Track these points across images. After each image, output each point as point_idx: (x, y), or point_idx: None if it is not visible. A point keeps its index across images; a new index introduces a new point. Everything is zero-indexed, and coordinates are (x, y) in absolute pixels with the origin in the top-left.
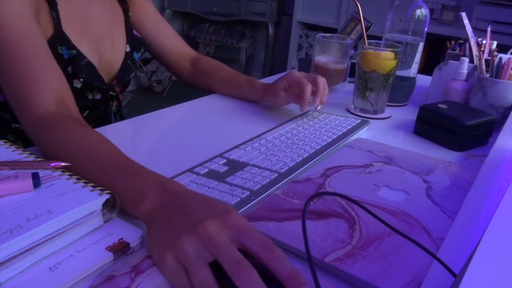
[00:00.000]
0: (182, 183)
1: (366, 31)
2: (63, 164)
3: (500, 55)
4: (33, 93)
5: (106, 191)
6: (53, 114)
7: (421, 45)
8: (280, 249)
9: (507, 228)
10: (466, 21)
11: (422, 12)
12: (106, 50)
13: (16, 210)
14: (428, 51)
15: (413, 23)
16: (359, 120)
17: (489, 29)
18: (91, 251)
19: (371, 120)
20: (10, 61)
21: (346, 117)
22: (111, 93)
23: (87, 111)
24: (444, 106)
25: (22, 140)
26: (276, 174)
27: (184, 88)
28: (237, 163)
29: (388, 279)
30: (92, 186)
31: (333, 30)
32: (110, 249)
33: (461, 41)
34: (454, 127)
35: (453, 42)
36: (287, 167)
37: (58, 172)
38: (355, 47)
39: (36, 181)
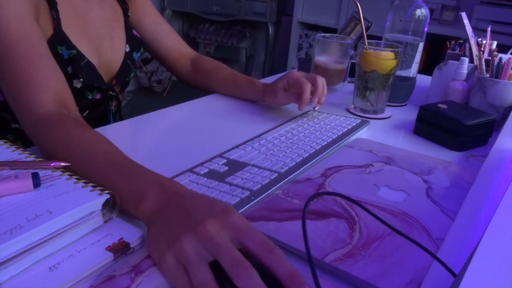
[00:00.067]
0: (182, 183)
1: (366, 31)
2: (63, 164)
3: (500, 55)
4: (33, 93)
5: (106, 191)
6: (53, 114)
7: (421, 45)
8: (280, 249)
9: (507, 228)
10: (466, 21)
11: (422, 12)
12: (105, 50)
13: (16, 210)
14: (428, 51)
15: (413, 23)
16: (359, 120)
17: (489, 29)
18: (91, 251)
19: (371, 120)
20: (10, 61)
21: (346, 117)
22: (111, 93)
23: (87, 111)
24: (444, 106)
25: (22, 140)
26: (276, 174)
27: (184, 88)
28: (237, 163)
29: (388, 279)
30: (92, 186)
31: (333, 30)
32: (110, 249)
33: (461, 41)
34: (454, 127)
35: (453, 42)
36: (287, 167)
37: (58, 172)
38: (355, 47)
39: (36, 181)
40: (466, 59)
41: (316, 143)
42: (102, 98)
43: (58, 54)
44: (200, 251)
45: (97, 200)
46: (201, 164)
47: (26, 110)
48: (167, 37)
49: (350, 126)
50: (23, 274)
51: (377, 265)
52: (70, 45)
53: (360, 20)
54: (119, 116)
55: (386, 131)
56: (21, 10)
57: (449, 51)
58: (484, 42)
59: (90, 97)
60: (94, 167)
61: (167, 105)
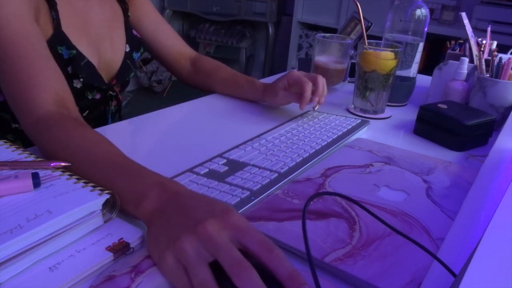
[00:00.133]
0: (182, 183)
1: (366, 31)
2: (63, 164)
3: (500, 55)
4: (33, 93)
5: (106, 191)
6: (53, 114)
7: (421, 45)
8: (280, 249)
9: (507, 228)
10: (466, 21)
11: (422, 12)
12: (105, 50)
13: (16, 210)
14: (428, 51)
15: (413, 23)
16: (359, 120)
17: (489, 29)
18: (91, 251)
19: (371, 120)
20: (10, 61)
21: (346, 117)
22: (111, 93)
23: (87, 111)
24: (444, 106)
25: (22, 140)
26: (276, 174)
27: (184, 88)
28: (237, 163)
29: (388, 279)
30: (92, 186)
31: (333, 30)
32: (110, 249)
33: (461, 41)
34: (454, 127)
35: (453, 42)
36: (287, 167)
37: (58, 172)
38: (355, 47)
39: (36, 181)
40: (466, 59)
41: (316, 143)
42: (102, 98)
43: (58, 54)
44: (200, 251)
45: (97, 200)
46: (201, 164)
47: (26, 110)
48: (167, 37)
49: (350, 126)
50: (23, 274)
51: (377, 265)
52: (70, 45)
53: (360, 20)
54: (119, 116)
55: (386, 131)
56: (21, 10)
57: (449, 51)
58: (484, 42)
59: (90, 97)
60: (94, 167)
61: (167, 105)
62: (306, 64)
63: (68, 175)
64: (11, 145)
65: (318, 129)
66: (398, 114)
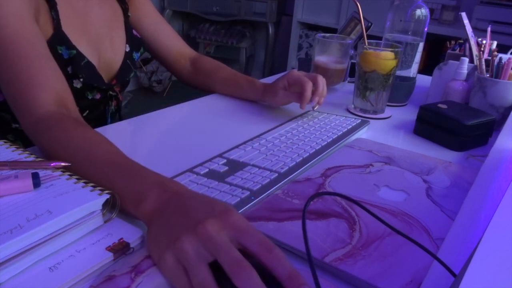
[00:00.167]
0: (182, 183)
1: (366, 31)
2: (63, 164)
3: (500, 55)
4: (33, 93)
5: (106, 191)
6: (53, 114)
7: (421, 45)
8: (280, 249)
9: (507, 228)
10: (466, 21)
11: (422, 12)
12: (105, 50)
13: (16, 210)
14: (428, 51)
15: (413, 23)
16: (359, 120)
17: (489, 29)
18: (91, 251)
19: (371, 120)
20: (9, 61)
21: (346, 117)
22: (111, 93)
23: (87, 111)
24: (444, 106)
25: (22, 140)
26: (276, 174)
27: (184, 88)
28: (237, 163)
29: (388, 279)
30: (92, 186)
31: (333, 30)
32: (110, 249)
33: (461, 41)
34: (454, 127)
35: (453, 42)
36: (287, 167)
37: (58, 172)
38: (355, 47)
39: (36, 181)
40: (466, 59)
41: (316, 143)
42: (102, 98)
43: (58, 54)
44: (200, 251)
45: (97, 200)
46: (201, 164)
47: (26, 110)
48: (167, 37)
49: (350, 126)
50: (23, 274)
51: (377, 265)
52: (70, 45)
53: (360, 20)
54: (118, 116)
55: (386, 131)
56: (21, 10)
57: (449, 51)
58: (484, 42)
59: (90, 97)
60: (94, 167)
61: (167, 105)
62: (306, 64)
63: (68, 175)
64: (11, 145)
65: (318, 129)
66: (398, 114)
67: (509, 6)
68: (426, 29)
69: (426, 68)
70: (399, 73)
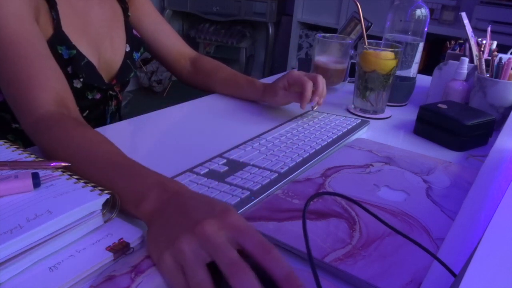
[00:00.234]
0: (182, 183)
1: (366, 31)
2: (63, 164)
3: (500, 55)
4: (33, 93)
5: (106, 191)
6: (53, 114)
7: (421, 45)
8: (278, 250)
9: (507, 228)
10: (466, 21)
11: (422, 12)
12: (105, 50)
13: (16, 210)
14: (428, 51)
15: (413, 23)
16: (359, 120)
17: (489, 29)
18: (91, 251)
19: (371, 120)
20: (10, 61)
21: (346, 117)
22: (111, 92)
23: (87, 111)
24: (444, 106)
25: (22, 140)
26: (276, 174)
27: (184, 88)
28: (237, 163)
29: (388, 279)
30: (92, 186)
31: (333, 30)
32: (110, 249)
33: (461, 41)
34: (454, 127)
35: (453, 42)
36: (287, 167)
37: (58, 172)
38: (355, 47)
39: (36, 181)
40: (466, 59)
41: (316, 143)
42: (102, 98)
43: (58, 54)
44: (198, 252)
45: (97, 200)
46: (201, 164)
47: (26, 110)
48: (167, 37)
49: (350, 126)
50: (23, 274)
51: (377, 265)
52: (70, 45)
53: (360, 20)
54: (118, 116)
55: (386, 131)
56: (21, 10)
57: (449, 51)
58: (484, 42)
59: (90, 97)
60: (94, 167)
61: (167, 105)
62: (306, 64)
63: (68, 175)
64: (11, 145)
65: (318, 129)
66: (398, 114)
67: (509, 6)
68: (426, 29)
69: (426, 68)
70: (399, 73)
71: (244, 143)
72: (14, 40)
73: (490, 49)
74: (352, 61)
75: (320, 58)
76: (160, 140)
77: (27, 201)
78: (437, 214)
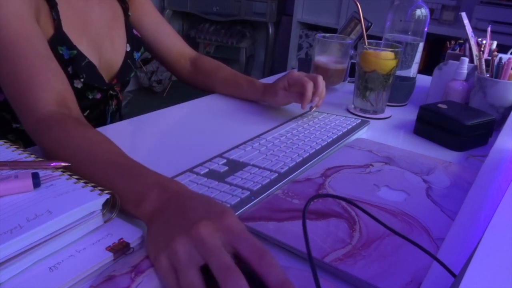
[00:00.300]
0: (182, 183)
1: (366, 31)
2: (63, 164)
3: (500, 55)
4: (34, 93)
5: (106, 191)
6: (54, 114)
7: (421, 45)
8: (273, 255)
9: (507, 228)
10: (466, 21)
11: (422, 12)
12: (106, 49)
13: (16, 210)
14: (428, 51)
15: (413, 23)
16: (359, 120)
17: (489, 29)
18: (91, 251)
19: (371, 120)
20: (10, 62)
21: (346, 117)
22: (111, 92)
23: (88, 111)
24: (444, 106)
25: (22, 140)
26: (276, 174)
27: (184, 88)
28: (237, 163)
29: (388, 279)
30: (92, 186)
31: (333, 30)
32: (110, 249)
33: (461, 41)
34: (454, 127)
35: (453, 42)
36: (287, 167)
37: (58, 172)
38: (355, 47)
39: (36, 181)
40: (466, 59)
41: (316, 143)
42: (102, 97)
43: (59, 55)
44: (191, 254)
45: (97, 200)
46: (201, 164)
47: (27, 110)
48: (167, 37)
49: (350, 126)
50: (23, 274)
51: (377, 265)
52: (70, 46)
53: (360, 20)
54: (119, 115)
55: (386, 131)
56: (21, 10)
57: (449, 51)
58: (484, 42)
59: (90, 97)
60: (94, 167)
61: (167, 105)
62: (306, 64)
63: (68, 175)
64: (11, 145)
65: (318, 129)
66: (398, 114)
67: (509, 6)
68: (426, 29)
69: (426, 68)
70: (399, 73)
71: (244, 143)
72: (15, 40)
73: (490, 49)
74: (352, 61)
75: (320, 58)
76: (160, 140)
77: (27, 201)
78: (437, 214)
